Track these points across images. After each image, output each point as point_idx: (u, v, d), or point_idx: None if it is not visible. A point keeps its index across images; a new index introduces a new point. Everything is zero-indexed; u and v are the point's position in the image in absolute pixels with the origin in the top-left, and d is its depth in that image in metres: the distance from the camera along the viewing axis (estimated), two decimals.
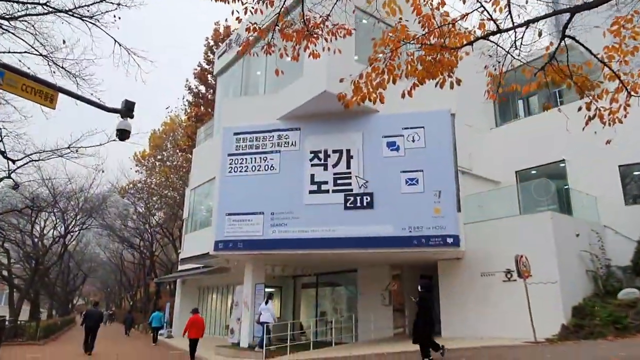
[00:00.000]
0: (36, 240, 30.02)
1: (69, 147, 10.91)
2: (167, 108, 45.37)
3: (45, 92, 6.64)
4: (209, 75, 35.81)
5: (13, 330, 21.98)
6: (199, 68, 36.03)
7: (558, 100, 17.20)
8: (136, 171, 41.17)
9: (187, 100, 38.17)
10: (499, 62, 8.03)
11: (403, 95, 7.44)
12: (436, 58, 7.23)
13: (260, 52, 7.67)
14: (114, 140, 10.82)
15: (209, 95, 36.62)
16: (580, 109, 7.67)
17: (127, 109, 7.53)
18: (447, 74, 7.31)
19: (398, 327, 15.96)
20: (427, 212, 12.77)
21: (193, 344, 13.96)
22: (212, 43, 35.72)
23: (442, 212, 12.71)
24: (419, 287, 10.16)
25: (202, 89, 37.11)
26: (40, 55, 8.81)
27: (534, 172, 16.76)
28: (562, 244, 12.21)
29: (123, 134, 7.57)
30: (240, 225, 13.92)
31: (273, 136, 14.57)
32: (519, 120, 18.20)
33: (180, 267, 25.76)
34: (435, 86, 7.38)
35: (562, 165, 15.89)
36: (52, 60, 8.73)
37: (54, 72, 8.93)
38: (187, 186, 23.62)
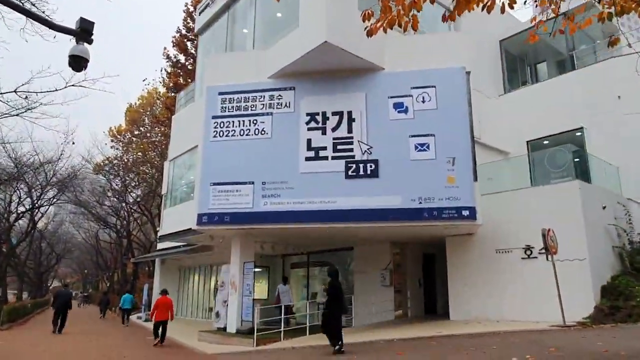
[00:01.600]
0: None
1: (15, 92, 8.97)
2: (144, 80, 42.61)
3: None
4: (188, 43, 33.50)
5: None
6: (177, 35, 33.64)
7: (575, 63, 15.82)
8: (112, 147, 38.88)
9: (165, 70, 35.84)
10: None
11: (444, 19, 5.83)
12: None
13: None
14: (72, 85, 8.99)
15: (189, 65, 34.37)
16: None
17: (84, 31, 5.77)
18: None
19: (398, 310, 14.68)
20: (439, 181, 11.31)
21: (162, 326, 13.03)
22: (192, 9, 33.29)
23: (456, 182, 11.27)
24: (328, 275, 9.94)
25: (182, 58, 34.77)
26: None
27: (546, 142, 15.47)
28: (590, 217, 10.96)
29: (77, 62, 5.81)
30: (227, 197, 12.28)
31: (264, 96, 12.85)
32: (532, 86, 16.82)
33: (159, 246, 24.05)
34: (482, 9, 5.77)
35: (579, 134, 14.60)
36: None
37: None
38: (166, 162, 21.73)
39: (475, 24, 15.75)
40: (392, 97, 12.11)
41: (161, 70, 41.46)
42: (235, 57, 14.25)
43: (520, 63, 18.52)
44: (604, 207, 11.71)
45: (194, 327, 16.22)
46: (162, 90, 37.89)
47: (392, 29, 5.77)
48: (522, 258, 11.54)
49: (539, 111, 15.67)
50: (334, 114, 12.33)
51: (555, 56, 18.28)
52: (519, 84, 17.86)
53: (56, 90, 8.83)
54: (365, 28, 5.76)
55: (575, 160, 13.94)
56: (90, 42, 5.92)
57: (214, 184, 12.49)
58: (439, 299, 15.58)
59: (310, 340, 11.12)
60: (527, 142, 15.69)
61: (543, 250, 10.54)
